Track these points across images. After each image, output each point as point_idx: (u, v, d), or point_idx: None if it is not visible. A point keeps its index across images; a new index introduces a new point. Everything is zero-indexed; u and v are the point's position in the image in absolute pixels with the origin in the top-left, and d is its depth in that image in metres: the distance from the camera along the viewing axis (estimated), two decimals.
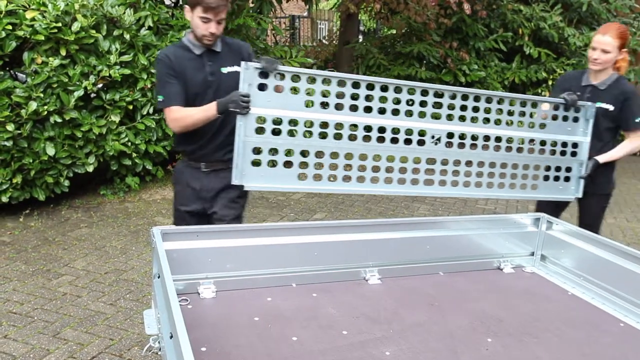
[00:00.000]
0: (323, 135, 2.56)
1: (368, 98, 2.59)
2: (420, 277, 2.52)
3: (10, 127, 4.45)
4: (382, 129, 2.63)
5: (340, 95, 2.55)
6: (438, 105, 2.67)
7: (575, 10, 9.08)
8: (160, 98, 2.52)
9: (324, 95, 2.53)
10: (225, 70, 2.58)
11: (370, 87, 2.59)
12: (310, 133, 2.55)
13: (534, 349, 1.92)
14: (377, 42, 9.14)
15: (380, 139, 2.63)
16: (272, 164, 2.51)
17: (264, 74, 2.38)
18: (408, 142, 2.65)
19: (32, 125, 4.63)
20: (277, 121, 2.48)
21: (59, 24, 4.68)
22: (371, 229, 2.48)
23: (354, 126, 2.61)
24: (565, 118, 2.87)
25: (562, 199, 3.01)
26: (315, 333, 1.96)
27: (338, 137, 2.59)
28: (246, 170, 2.44)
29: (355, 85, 2.61)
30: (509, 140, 2.82)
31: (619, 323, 2.18)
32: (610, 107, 2.98)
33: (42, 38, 4.58)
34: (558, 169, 2.97)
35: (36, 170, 4.73)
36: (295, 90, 2.48)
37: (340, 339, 1.94)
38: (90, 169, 5.18)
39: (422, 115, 2.66)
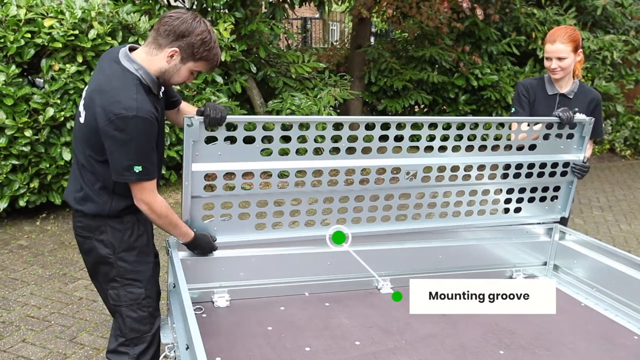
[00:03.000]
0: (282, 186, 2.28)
1: (335, 139, 2.25)
2: None
3: (28, 132, 4.53)
4: (350, 171, 2.34)
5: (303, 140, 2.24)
6: (416, 138, 2.36)
7: (590, 14, 8.99)
8: (137, 169, 1.87)
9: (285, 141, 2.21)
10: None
11: (339, 126, 2.30)
12: (269, 184, 2.26)
13: None
14: (389, 46, 9.13)
15: (349, 182, 2.36)
16: (226, 217, 2.25)
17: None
18: (380, 181, 2.40)
19: (49, 130, 4.71)
20: (230, 176, 2.17)
21: (76, 32, 4.75)
22: (383, 238, 2.50)
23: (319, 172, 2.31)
24: (558, 135, 2.57)
25: (547, 220, 2.73)
26: (328, 343, 1.99)
27: (300, 184, 2.31)
28: (196, 226, 2.20)
29: (320, 126, 2.31)
30: (493, 167, 2.55)
31: (633, 335, 2.17)
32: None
33: (60, 45, 4.65)
34: (545, 189, 2.68)
35: (53, 174, 4.81)
36: (250, 140, 2.14)
37: (353, 349, 1.96)
38: None
39: (396, 150, 2.35)
